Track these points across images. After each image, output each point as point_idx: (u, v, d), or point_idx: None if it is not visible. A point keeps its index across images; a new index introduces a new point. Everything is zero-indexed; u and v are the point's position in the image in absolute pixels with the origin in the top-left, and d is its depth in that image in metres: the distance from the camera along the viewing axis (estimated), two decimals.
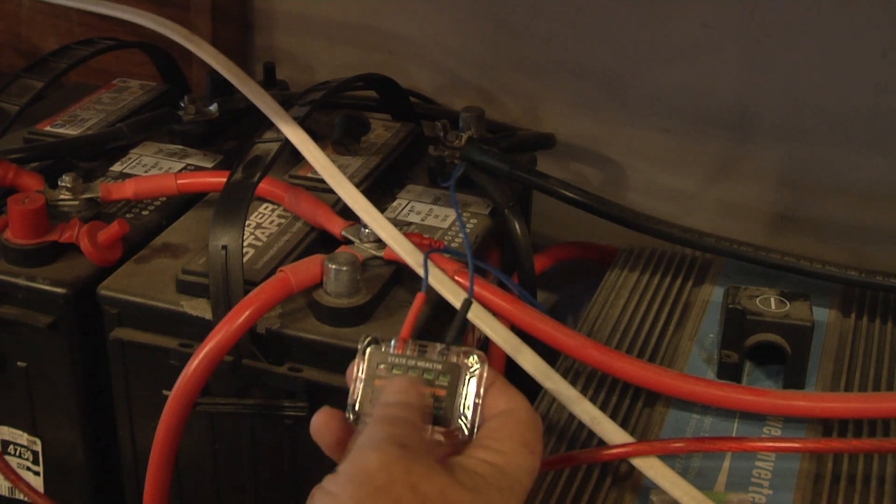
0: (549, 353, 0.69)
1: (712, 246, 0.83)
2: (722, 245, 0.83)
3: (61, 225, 0.79)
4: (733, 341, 0.72)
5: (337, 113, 0.96)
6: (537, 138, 1.00)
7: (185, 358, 0.69)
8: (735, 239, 0.83)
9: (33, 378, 0.80)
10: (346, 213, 0.79)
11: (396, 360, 0.55)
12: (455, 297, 0.70)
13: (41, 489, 0.84)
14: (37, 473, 0.84)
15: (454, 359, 0.54)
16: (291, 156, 0.87)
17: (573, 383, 0.68)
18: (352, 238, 0.78)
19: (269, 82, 1.00)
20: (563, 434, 0.69)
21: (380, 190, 0.89)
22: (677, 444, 0.64)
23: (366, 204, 0.76)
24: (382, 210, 0.81)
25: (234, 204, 0.74)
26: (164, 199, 0.87)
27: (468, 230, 0.84)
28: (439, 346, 0.55)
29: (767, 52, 0.93)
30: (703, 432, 0.69)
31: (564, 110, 1.03)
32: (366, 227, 0.76)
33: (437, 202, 0.88)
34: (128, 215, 0.85)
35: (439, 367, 0.54)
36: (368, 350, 0.55)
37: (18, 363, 0.79)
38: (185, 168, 0.91)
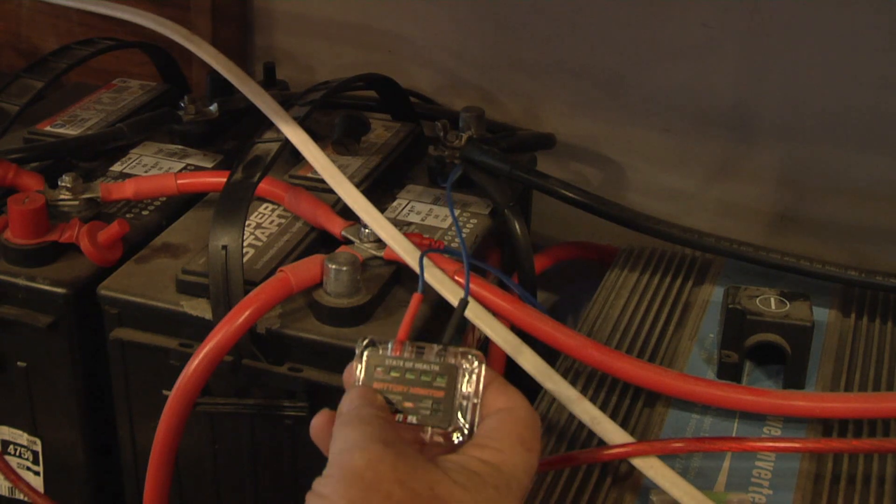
0: (549, 353, 0.69)
1: (712, 246, 0.83)
2: (722, 245, 0.83)
3: (61, 225, 0.79)
4: (733, 341, 0.72)
5: (337, 113, 0.96)
6: (537, 138, 1.00)
7: (185, 358, 0.69)
8: (735, 239, 0.83)
9: (33, 378, 0.80)
10: (346, 213, 0.79)
11: (394, 363, 0.55)
12: (454, 297, 0.70)
13: (41, 489, 0.84)
14: (37, 473, 0.84)
15: (451, 360, 0.54)
16: (291, 156, 0.87)
17: (573, 383, 0.68)
18: (352, 238, 0.78)
19: (269, 82, 1.00)
20: (563, 434, 0.69)
21: (380, 190, 0.89)
22: (677, 444, 0.64)
23: (366, 204, 0.76)
24: (382, 210, 0.81)
25: (234, 204, 0.74)
26: (164, 199, 0.87)
27: (468, 230, 0.84)
28: (436, 348, 0.55)
29: (767, 52, 0.93)
30: (703, 432, 0.69)
31: (564, 110, 1.03)
32: (366, 227, 0.76)
33: (437, 202, 0.88)
34: (128, 215, 0.85)
35: (437, 368, 0.54)
36: (366, 353, 0.55)
37: (18, 363, 0.79)
38: (185, 168, 0.91)
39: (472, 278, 0.71)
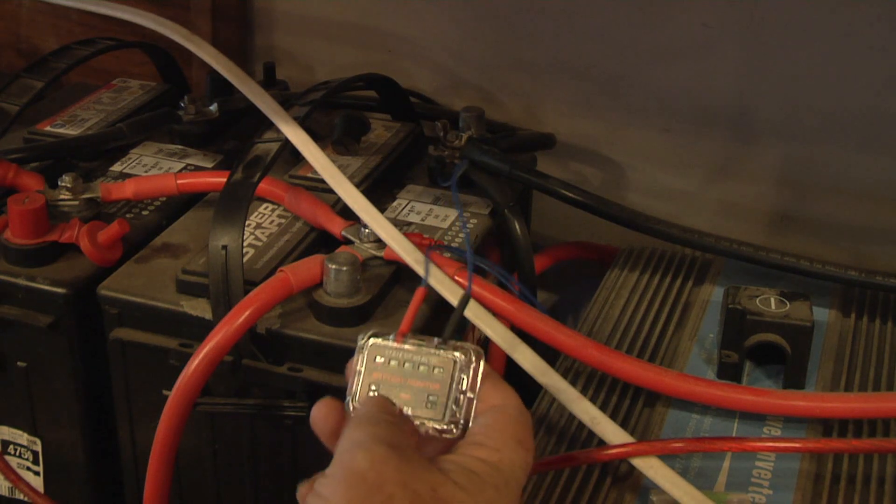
0: (548, 353, 0.69)
1: (712, 246, 0.83)
2: (722, 245, 0.83)
3: (61, 225, 0.79)
4: (733, 341, 0.72)
5: (337, 113, 0.96)
6: (537, 138, 1.00)
7: (185, 358, 0.69)
8: (735, 239, 0.83)
9: (33, 378, 0.80)
10: (346, 213, 0.79)
11: (393, 353, 0.55)
12: (454, 297, 0.70)
13: (41, 489, 0.84)
14: (37, 473, 0.84)
15: (450, 353, 0.55)
16: (291, 156, 0.87)
17: (573, 383, 0.68)
18: (352, 238, 0.78)
19: (269, 82, 1.00)
20: (563, 434, 0.69)
21: (380, 190, 0.89)
22: (677, 444, 0.64)
23: (366, 204, 0.76)
24: (382, 210, 0.81)
25: (234, 204, 0.74)
26: (164, 199, 0.87)
27: (468, 230, 0.83)
28: (437, 340, 0.55)
29: (767, 52, 0.93)
30: (703, 432, 0.69)
31: (564, 110, 1.03)
32: (366, 227, 0.76)
33: (437, 202, 0.88)
34: (128, 215, 0.85)
35: (436, 360, 0.55)
36: (368, 343, 0.56)
37: (18, 363, 0.79)
38: (185, 168, 0.91)
39: (473, 278, 0.71)
